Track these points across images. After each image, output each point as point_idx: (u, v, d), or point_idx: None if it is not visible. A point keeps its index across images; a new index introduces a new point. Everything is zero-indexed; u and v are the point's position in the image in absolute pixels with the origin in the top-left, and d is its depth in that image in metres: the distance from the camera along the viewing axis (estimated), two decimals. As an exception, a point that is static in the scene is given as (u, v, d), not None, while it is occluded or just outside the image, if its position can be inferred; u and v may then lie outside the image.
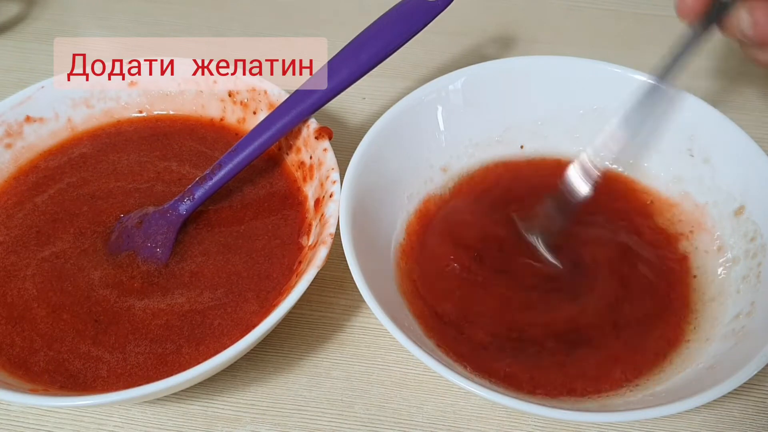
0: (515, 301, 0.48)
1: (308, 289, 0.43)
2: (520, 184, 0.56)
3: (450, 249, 0.51)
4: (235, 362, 0.44)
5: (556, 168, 0.56)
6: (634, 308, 0.48)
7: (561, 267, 0.50)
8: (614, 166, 0.55)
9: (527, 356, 0.46)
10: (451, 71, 0.55)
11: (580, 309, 0.48)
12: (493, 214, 0.53)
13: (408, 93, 0.53)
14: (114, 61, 0.58)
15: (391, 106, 0.52)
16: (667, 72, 0.47)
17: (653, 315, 0.48)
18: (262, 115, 0.54)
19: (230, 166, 0.51)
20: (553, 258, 0.50)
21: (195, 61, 0.57)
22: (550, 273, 0.50)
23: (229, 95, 0.57)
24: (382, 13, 0.52)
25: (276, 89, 0.55)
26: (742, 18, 0.45)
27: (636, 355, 0.46)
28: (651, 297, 0.49)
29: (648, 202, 0.54)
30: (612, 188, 0.55)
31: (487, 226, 0.52)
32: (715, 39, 0.49)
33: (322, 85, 0.51)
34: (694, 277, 0.50)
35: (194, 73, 0.57)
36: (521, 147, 0.57)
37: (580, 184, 0.49)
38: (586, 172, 0.49)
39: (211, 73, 0.57)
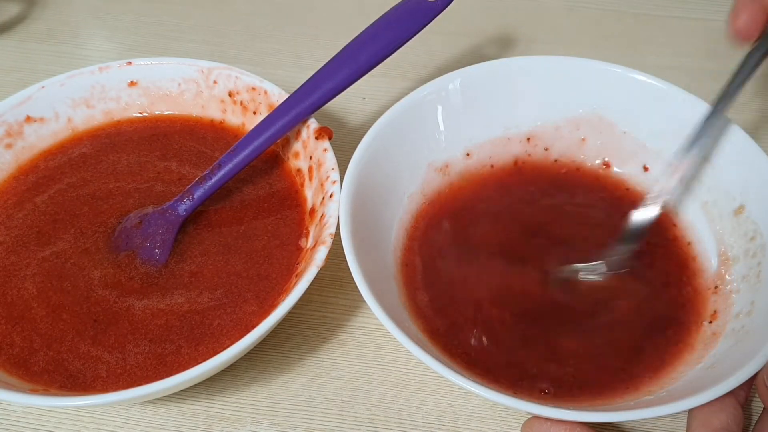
0: (518, 302, 0.48)
1: (308, 289, 0.43)
2: (522, 183, 0.56)
3: (451, 251, 0.51)
4: (235, 362, 0.44)
5: (558, 166, 0.56)
6: (636, 309, 0.48)
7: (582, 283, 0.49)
8: (618, 170, 0.56)
9: (529, 357, 0.46)
10: (450, 71, 0.54)
11: (584, 311, 0.48)
12: (495, 214, 0.53)
13: (408, 93, 0.53)
14: (114, 61, 0.58)
15: (391, 106, 0.52)
16: (725, 100, 0.48)
17: (655, 315, 0.48)
18: (262, 116, 0.54)
19: (230, 166, 0.51)
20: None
21: (195, 61, 0.57)
22: (557, 274, 0.50)
23: (229, 95, 0.57)
24: (381, 14, 0.52)
25: (276, 89, 0.55)
26: None
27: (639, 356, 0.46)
28: (653, 297, 0.49)
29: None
30: (614, 188, 0.55)
31: (489, 226, 0.52)
32: (717, 39, 0.49)
33: (322, 85, 0.51)
34: (695, 277, 0.50)
35: (194, 74, 0.57)
36: (522, 147, 0.57)
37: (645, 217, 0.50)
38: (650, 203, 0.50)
39: (211, 74, 0.57)
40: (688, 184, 0.52)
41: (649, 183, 0.54)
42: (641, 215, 0.50)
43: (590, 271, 0.49)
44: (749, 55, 0.47)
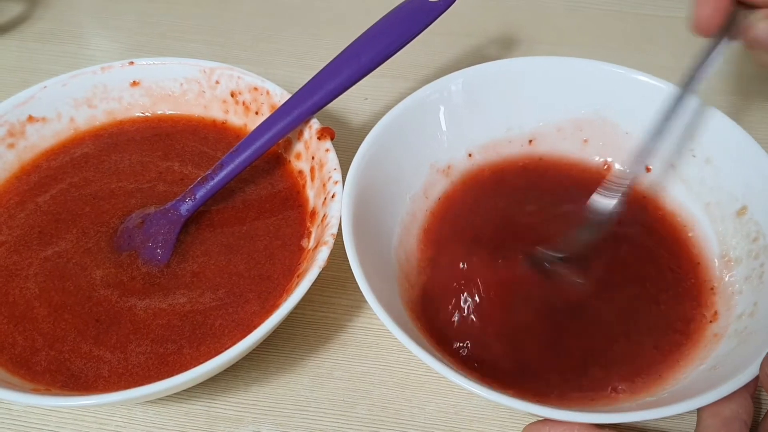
0: (522, 303, 0.48)
1: (310, 289, 0.43)
2: (525, 185, 0.56)
3: (454, 252, 0.51)
4: (237, 362, 0.44)
5: (561, 169, 0.56)
6: (641, 312, 0.48)
7: (583, 283, 0.49)
8: (620, 168, 0.56)
9: (531, 358, 0.46)
10: (453, 72, 0.55)
11: (589, 316, 0.48)
12: (499, 214, 0.53)
13: (410, 93, 0.53)
14: (117, 61, 0.58)
15: (393, 106, 0.52)
16: (688, 84, 0.48)
17: (659, 317, 0.48)
18: (264, 116, 0.54)
19: (232, 166, 0.51)
20: (577, 276, 0.49)
21: (197, 61, 0.57)
22: (561, 278, 0.49)
23: (232, 96, 0.57)
24: (384, 14, 0.52)
25: (278, 90, 0.55)
26: (760, 29, 0.46)
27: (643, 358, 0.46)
28: (658, 299, 0.49)
29: (651, 204, 0.54)
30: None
31: (492, 227, 0.52)
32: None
33: (324, 85, 0.51)
34: (697, 278, 0.50)
35: (196, 74, 0.57)
36: (524, 148, 0.57)
37: (606, 203, 0.49)
38: (613, 189, 0.49)
39: (213, 74, 0.57)
40: (684, 177, 0.52)
41: (651, 183, 0.54)
42: (603, 200, 0.49)
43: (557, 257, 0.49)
44: (707, 50, 0.48)
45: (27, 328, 0.46)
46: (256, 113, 0.56)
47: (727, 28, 0.47)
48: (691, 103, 0.49)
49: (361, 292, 0.42)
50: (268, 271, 0.49)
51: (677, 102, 0.49)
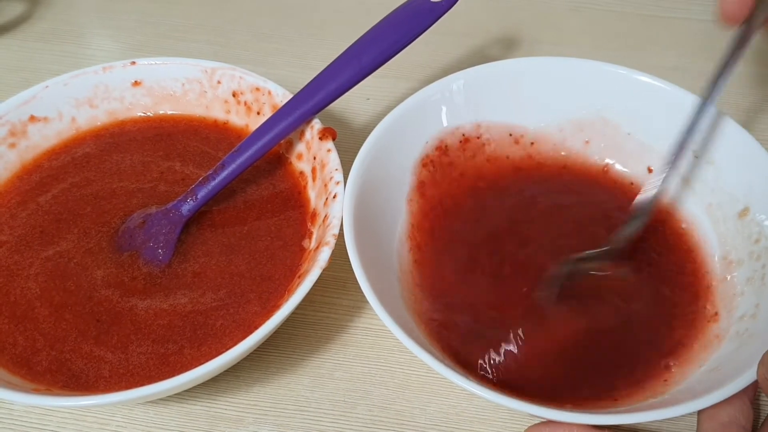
0: (520, 306, 0.48)
1: (311, 289, 0.43)
2: (526, 185, 0.55)
3: (455, 253, 0.51)
4: (238, 363, 0.44)
5: (562, 169, 0.56)
6: (641, 312, 0.48)
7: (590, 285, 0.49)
8: (622, 172, 0.55)
9: (531, 359, 0.46)
10: (454, 72, 0.55)
11: (590, 318, 0.48)
12: (500, 215, 0.53)
13: (412, 94, 0.53)
14: (118, 61, 0.58)
15: (395, 106, 0.52)
16: (715, 86, 0.48)
17: (659, 318, 0.48)
18: (265, 116, 0.54)
19: (233, 166, 0.51)
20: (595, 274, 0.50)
21: (199, 61, 0.57)
22: (563, 267, 0.49)
23: (233, 96, 0.57)
24: (386, 14, 0.52)
25: (280, 90, 0.55)
26: None
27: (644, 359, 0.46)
28: (658, 300, 0.49)
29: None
30: (617, 189, 0.55)
31: (493, 228, 0.52)
32: (722, 40, 0.49)
33: (326, 85, 0.51)
34: (698, 278, 0.50)
35: (198, 74, 0.57)
36: (525, 149, 0.57)
37: (646, 198, 0.50)
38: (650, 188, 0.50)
39: (215, 74, 0.57)
40: (686, 178, 0.52)
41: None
42: (636, 205, 0.50)
43: (593, 261, 0.49)
44: (735, 40, 0.48)
45: (28, 328, 0.46)
46: (258, 113, 0.56)
47: (753, 17, 0.47)
48: (693, 102, 0.49)
49: (362, 292, 0.42)
50: (269, 271, 0.49)
51: (711, 97, 0.49)
